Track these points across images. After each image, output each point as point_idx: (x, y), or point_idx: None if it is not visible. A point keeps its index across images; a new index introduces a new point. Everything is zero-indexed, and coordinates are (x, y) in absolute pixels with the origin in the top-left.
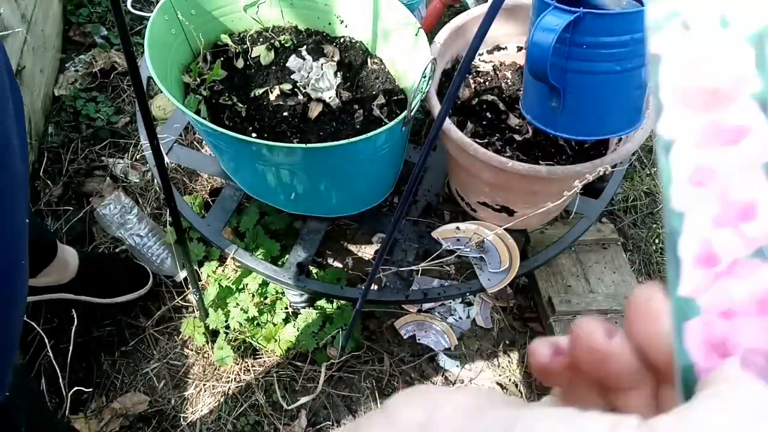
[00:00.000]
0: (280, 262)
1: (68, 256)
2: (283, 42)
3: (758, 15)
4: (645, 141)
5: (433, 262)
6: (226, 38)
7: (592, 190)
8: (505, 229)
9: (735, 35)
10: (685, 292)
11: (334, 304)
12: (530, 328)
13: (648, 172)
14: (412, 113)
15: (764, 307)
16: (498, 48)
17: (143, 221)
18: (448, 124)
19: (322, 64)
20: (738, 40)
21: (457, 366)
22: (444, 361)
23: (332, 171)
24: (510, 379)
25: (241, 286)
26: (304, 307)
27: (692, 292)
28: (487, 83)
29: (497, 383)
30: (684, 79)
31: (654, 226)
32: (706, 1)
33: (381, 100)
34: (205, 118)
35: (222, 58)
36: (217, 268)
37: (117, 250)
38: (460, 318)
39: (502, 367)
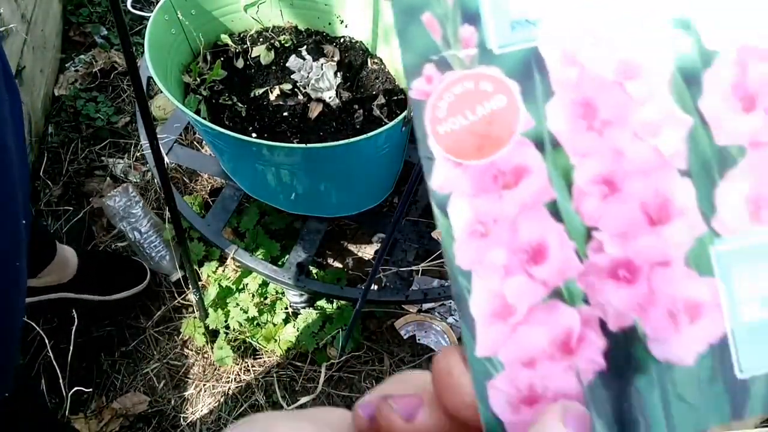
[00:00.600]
0: (280, 262)
1: (68, 255)
2: (283, 42)
3: (519, 46)
4: None
5: (433, 262)
6: (226, 38)
7: None
8: None
9: (497, 71)
10: (482, 352)
11: (334, 304)
12: None
13: None
14: (413, 113)
15: (566, 348)
16: None
17: (147, 216)
18: None
19: (322, 64)
20: (501, 76)
21: None
22: None
23: (332, 171)
24: None
25: (241, 286)
26: (304, 308)
27: (490, 350)
28: None
29: None
30: (451, 126)
31: None
32: (463, 39)
33: (381, 100)
34: (205, 118)
35: (222, 58)
36: (217, 268)
37: (115, 247)
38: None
39: None
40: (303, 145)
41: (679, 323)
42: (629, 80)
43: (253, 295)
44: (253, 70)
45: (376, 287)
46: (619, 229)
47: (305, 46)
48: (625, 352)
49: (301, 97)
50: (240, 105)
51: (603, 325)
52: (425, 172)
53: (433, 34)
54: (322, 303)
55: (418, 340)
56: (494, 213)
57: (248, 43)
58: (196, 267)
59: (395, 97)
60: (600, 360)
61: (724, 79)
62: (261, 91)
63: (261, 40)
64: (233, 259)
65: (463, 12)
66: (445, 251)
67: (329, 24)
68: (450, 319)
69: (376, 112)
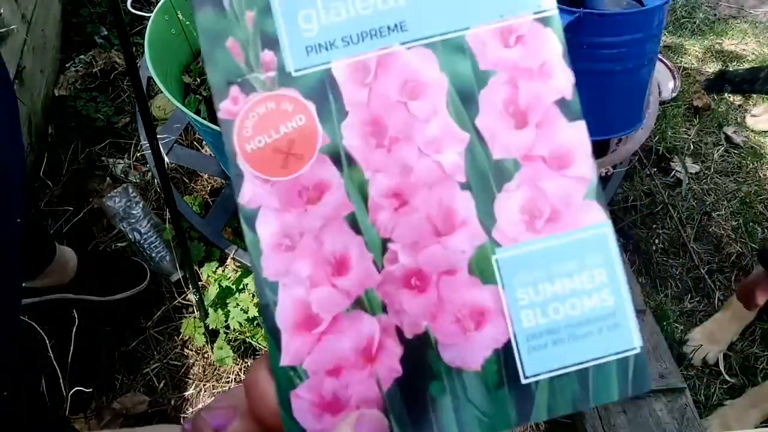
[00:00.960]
0: None
1: (67, 256)
2: None
3: (313, 69)
4: (645, 141)
5: None
6: None
7: None
8: None
9: (295, 92)
10: (287, 361)
11: None
12: None
13: (648, 173)
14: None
15: (367, 356)
16: None
17: (147, 217)
18: None
19: None
20: (299, 97)
21: None
22: None
23: None
24: None
25: (241, 286)
26: None
27: (295, 360)
28: None
29: None
30: (257, 144)
31: (654, 226)
32: (264, 63)
33: None
34: (205, 118)
35: None
36: (217, 268)
37: (115, 247)
38: None
39: None
40: None
41: (466, 329)
42: (413, 100)
43: (253, 295)
44: None
45: None
46: (410, 240)
47: None
48: (420, 359)
49: None
50: None
51: (400, 332)
52: (235, 189)
53: (236, 57)
54: None
55: None
56: (300, 227)
57: None
58: (196, 267)
59: None
60: (397, 367)
61: (498, 98)
62: None
63: None
64: (233, 259)
65: (263, 38)
66: (253, 264)
67: None
68: None
69: None
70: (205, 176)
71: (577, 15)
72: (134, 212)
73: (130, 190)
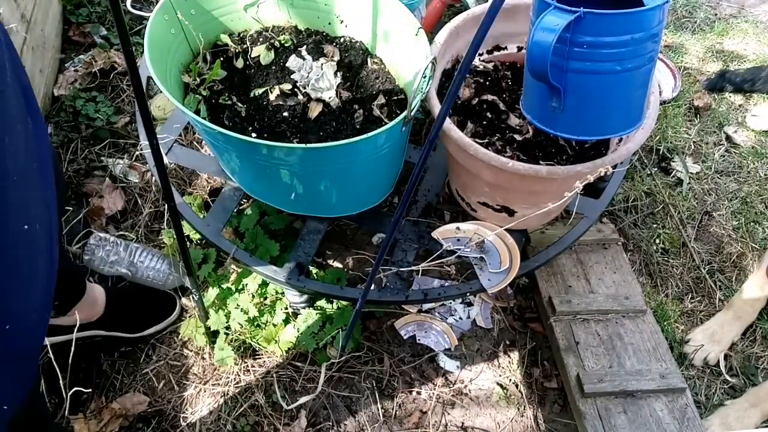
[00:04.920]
0: (279, 262)
1: (96, 293)
2: (283, 42)
3: None
4: (646, 141)
5: (433, 262)
6: (225, 38)
7: (593, 190)
8: (505, 230)
9: None
10: None
11: (334, 305)
12: (531, 329)
13: (648, 172)
14: (413, 113)
15: None
16: (498, 48)
17: (128, 249)
18: (449, 124)
19: (321, 64)
20: None
21: (458, 366)
22: (444, 361)
23: (332, 171)
24: (510, 380)
25: (240, 287)
26: (304, 308)
27: None
28: (487, 83)
29: (497, 383)
30: None
31: (654, 226)
32: None
33: (381, 100)
34: (205, 118)
35: (222, 58)
36: (217, 269)
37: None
38: (460, 318)
39: (503, 368)
40: (303, 145)
41: None
42: None
43: (253, 296)
44: (252, 70)
45: (376, 288)
46: None
47: (305, 46)
48: None
49: (300, 97)
50: (240, 105)
51: None
52: None
53: None
54: (322, 303)
55: (419, 340)
56: None
57: (248, 43)
58: (196, 270)
59: (395, 97)
60: None
61: None
62: (261, 91)
63: (261, 40)
64: (233, 259)
65: None
66: None
67: (329, 24)
68: (450, 320)
69: (376, 112)
70: (205, 176)
71: (578, 14)
72: (115, 258)
73: (101, 236)
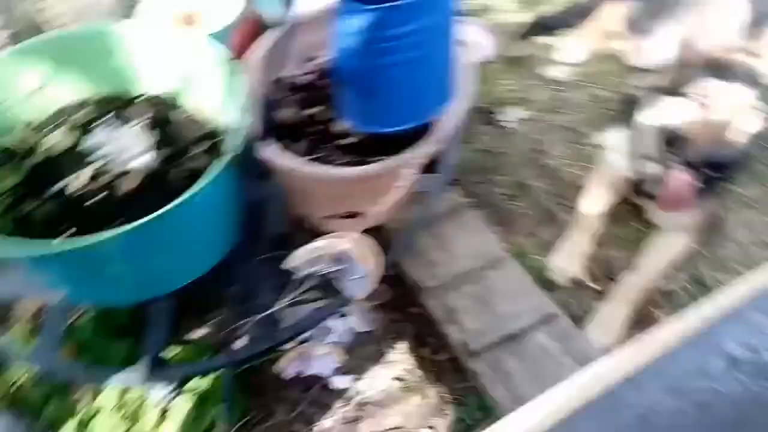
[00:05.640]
0: (135, 359)
1: None
2: (84, 118)
3: None
4: (474, 104)
5: (294, 294)
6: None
7: (435, 165)
8: (362, 232)
9: None
10: None
11: (208, 377)
12: (411, 313)
13: (483, 131)
14: (236, 152)
15: None
16: (310, 59)
17: None
18: (270, 154)
19: (129, 129)
20: None
21: (352, 380)
22: (336, 382)
23: (165, 241)
24: (404, 369)
25: (98, 409)
26: (174, 396)
27: None
28: (313, 95)
29: (395, 378)
30: None
31: (498, 178)
32: None
33: (204, 146)
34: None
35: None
36: (69, 396)
37: None
38: (341, 333)
39: (395, 362)
40: (118, 231)
41: None
42: None
43: (117, 409)
44: (53, 161)
45: (244, 344)
46: None
47: (109, 114)
48: None
49: (113, 172)
50: (50, 203)
51: None
52: None
53: None
54: (193, 383)
55: (304, 374)
56: None
57: (43, 133)
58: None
59: (218, 138)
60: None
61: None
62: (62, 184)
63: (60, 121)
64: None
65: None
66: None
67: (128, 83)
68: (330, 338)
69: (198, 163)
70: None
71: (377, 10)
72: None
73: None
